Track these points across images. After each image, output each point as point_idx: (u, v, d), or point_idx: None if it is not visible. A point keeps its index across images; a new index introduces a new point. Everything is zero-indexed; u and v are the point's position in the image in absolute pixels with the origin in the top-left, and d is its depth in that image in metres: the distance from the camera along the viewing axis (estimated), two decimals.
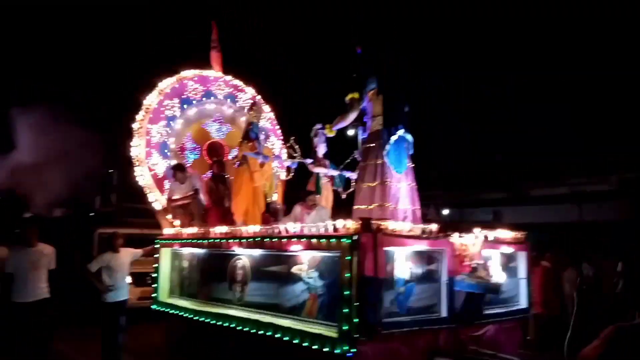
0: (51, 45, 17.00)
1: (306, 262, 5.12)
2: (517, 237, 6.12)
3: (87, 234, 11.43)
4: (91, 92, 17.21)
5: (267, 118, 9.62)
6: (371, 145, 6.15)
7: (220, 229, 6.46)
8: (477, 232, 5.55)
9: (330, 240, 4.66)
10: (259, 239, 5.66)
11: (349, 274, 4.44)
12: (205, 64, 9.41)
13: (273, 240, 5.40)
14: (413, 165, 6.25)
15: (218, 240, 6.42)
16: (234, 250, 6.14)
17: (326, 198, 7.80)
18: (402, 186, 6.04)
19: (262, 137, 7.99)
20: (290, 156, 8.22)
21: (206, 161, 9.04)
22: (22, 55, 16.51)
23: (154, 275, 7.76)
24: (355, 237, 4.45)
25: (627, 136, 14.66)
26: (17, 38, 16.61)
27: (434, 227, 5.05)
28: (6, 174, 11.14)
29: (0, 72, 15.13)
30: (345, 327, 4.40)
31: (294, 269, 5.24)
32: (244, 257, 6.05)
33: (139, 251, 7.33)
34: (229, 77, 9.49)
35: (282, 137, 9.61)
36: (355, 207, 6.18)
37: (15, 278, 6.18)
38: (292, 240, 5.17)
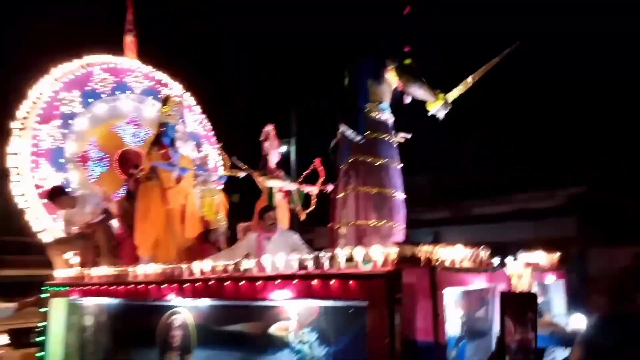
0: None
1: (295, 317, 3.21)
2: (552, 259, 4.63)
3: None
4: None
5: (199, 121, 7.58)
6: (373, 137, 4.36)
7: (145, 269, 4.31)
8: (523, 256, 4.00)
9: (349, 281, 2.79)
10: (215, 281, 3.61)
11: (385, 338, 2.60)
12: (118, 50, 7.23)
13: (240, 283, 3.39)
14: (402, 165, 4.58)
15: (142, 285, 4.25)
16: (168, 301, 4.03)
17: (282, 219, 5.92)
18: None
19: (182, 143, 5.96)
20: (232, 167, 6.27)
21: (118, 175, 6.79)
22: None
23: (40, 338, 5.29)
24: (395, 275, 2.63)
25: (572, 151, 14.36)
26: None
27: (485, 252, 3.37)
28: None
29: None
30: None
31: (274, 329, 3.30)
32: (185, 311, 3.97)
33: (11, 305, 5.02)
34: (149, 68, 7.36)
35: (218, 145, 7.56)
36: (340, 224, 4.32)
37: None
38: (274, 282, 3.21)
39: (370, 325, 2.68)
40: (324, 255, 3.00)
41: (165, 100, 6.01)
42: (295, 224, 6.27)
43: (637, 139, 13.30)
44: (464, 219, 17.57)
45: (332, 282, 2.84)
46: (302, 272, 3.04)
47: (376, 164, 4.23)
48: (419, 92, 4.37)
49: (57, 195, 5.72)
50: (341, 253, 2.92)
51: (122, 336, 4.62)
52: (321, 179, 6.02)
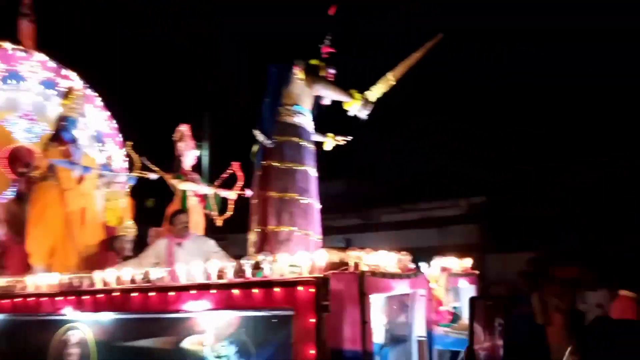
0: None
1: (211, 329, 2.97)
2: (464, 265, 4.77)
3: None
4: None
5: (104, 118, 6.97)
6: (282, 141, 4.21)
7: (38, 279, 3.80)
8: (438, 261, 4.07)
9: (273, 289, 2.61)
10: (120, 293, 3.24)
11: (311, 350, 2.46)
12: (11, 37, 6.45)
13: (149, 294, 3.07)
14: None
15: (33, 297, 3.74)
16: (64, 315, 3.57)
17: (196, 225, 5.58)
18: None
19: (82, 140, 5.41)
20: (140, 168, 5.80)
21: (5, 174, 6.03)
22: None
23: None
24: (323, 281, 2.50)
25: (474, 160, 15.28)
26: None
27: (408, 258, 3.36)
28: None
29: None
30: None
31: (188, 344, 3.03)
32: (84, 326, 3.55)
33: None
34: (45, 57, 6.63)
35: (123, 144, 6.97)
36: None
37: None
38: (189, 292, 2.93)
39: (296, 335, 2.52)
40: (246, 263, 2.80)
41: (67, 93, 5.47)
42: (208, 231, 5.95)
43: (535, 151, 14.41)
44: (374, 226, 18.05)
45: (255, 290, 2.65)
46: (222, 281, 2.81)
47: (283, 168, 4.06)
48: (326, 92, 4.24)
49: None
50: (265, 260, 2.74)
51: (9, 355, 4.04)
52: (239, 184, 5.74)
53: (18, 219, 5.22)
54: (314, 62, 4.25)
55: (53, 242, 4.92)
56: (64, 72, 6.72)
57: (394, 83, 4.16)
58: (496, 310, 2.52)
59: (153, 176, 5.70)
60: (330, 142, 4.61)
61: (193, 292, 2.89)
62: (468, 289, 4.69)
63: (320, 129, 4.66)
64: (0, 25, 6.53)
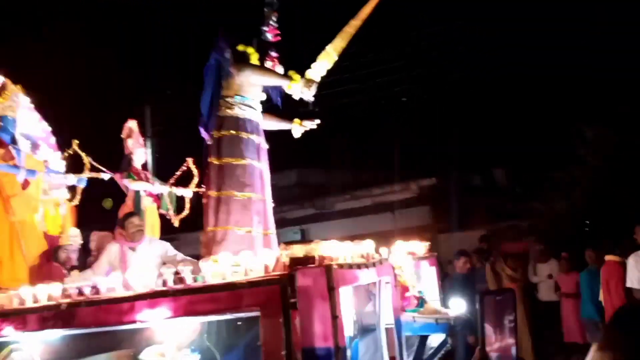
0: None
1: (171, 338, 2.78)
2: (424, 247, 4.77)
3: None
4: None
5: (37, 119, 6.47)
6: (220, 136, 3.95)
7: None
8: (399, 245, 4.04)
9: (237, 291, 2.45)
10: (68, 307, 2.97)
11: (282, 351, 2.34)
12: None
13: (100, 305, 2.83)
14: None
15: None
16: (5, 336, 3.26)
17: (152, 227, 5.29)
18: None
19: (24, 140, 4.97)
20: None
21: None
22: None
23: None
24: (289, 278, 2.37)
25: (421, 143, 15.53)
26: None
27: (372, 246, 3.28)
28: None
29: None
30: None
31: (146, 356, 2.83)
32: (27, 346, 3.25)
33: None
34: None
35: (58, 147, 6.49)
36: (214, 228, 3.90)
37: None
38: (145, 300, 2.72)
39: (264, 336, 2.39)
40: (206, 265, 2.63)
41: (1, 89, 4.92)
42: (161, 231, 5.68)
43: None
44: (328, 215, 18.08)
45: (217, 294, 2.49)
46: (179, 286, 2.63)
47: (220, 165, 3.84)
48: (257, 78, 3.93)
49: None
50: (225, 261, 2.58)
51: None
52: (195, 180, 5.45)
53: None
54: (241, 47, 3.93)
55: None
56: None
57: (336, 57, 3.85)
58: (506, 305, 2.33)
59: (106, 176, 5.31)
60: (297, 127, 4.33)
61: (148, 300, 2.67)
62: (429, 271, 4.71)
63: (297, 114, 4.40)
64: None
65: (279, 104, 4.17)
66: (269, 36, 3.99)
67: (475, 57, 12.99)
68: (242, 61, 3.85)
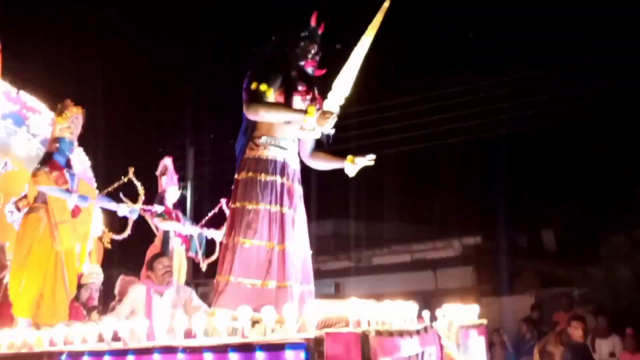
0: None
1: None
2: (474, 314, 4.23)
3: None
4: None
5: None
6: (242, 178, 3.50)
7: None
8: (446, 309, 3.55)
9: (252, 353, 2.07)
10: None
11: None
12: None
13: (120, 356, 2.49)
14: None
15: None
16: None
17: (179, 269, 5.02)
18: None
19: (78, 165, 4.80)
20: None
21: None
22: None
23: None
24: (316, 343, 1.98)
25: (466, 200, 14.97)
26: None
27: (415, 307, 2.84)
28: None
29: None
30: None
31: None
32: None
33: None
34: (13, 89, 6.14)
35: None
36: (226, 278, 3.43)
37: None
38: (154, 354, 2.37)
39: None
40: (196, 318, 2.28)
41: (61, 109, 4.66)
42: (188, 275, 5.41)
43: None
44: (364, 269, 17.49)
45: (233, 354, 2.12)
46: (189, 342, 2.27)
47: (234, 208, 3.41)
48: (270, 116, 3.42)
49: None
50: (243, 316, 2.22)
51: None
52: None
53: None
54: (254, 86, 3.44)
55: (39, 290, 4.13)
56: (34, 105, 6.28)
57: (353, 79, 3.44)
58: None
59: (159, 209, 5.06)
60: (349, 166, 3.68)
61: (156, 354, 2.33)
62: (478, 342, 4.16)
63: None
64: None
65: (323, 141, 3.74)
66: (310, 70, 3.67)
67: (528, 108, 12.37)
68: (255, 100, 3.41)
